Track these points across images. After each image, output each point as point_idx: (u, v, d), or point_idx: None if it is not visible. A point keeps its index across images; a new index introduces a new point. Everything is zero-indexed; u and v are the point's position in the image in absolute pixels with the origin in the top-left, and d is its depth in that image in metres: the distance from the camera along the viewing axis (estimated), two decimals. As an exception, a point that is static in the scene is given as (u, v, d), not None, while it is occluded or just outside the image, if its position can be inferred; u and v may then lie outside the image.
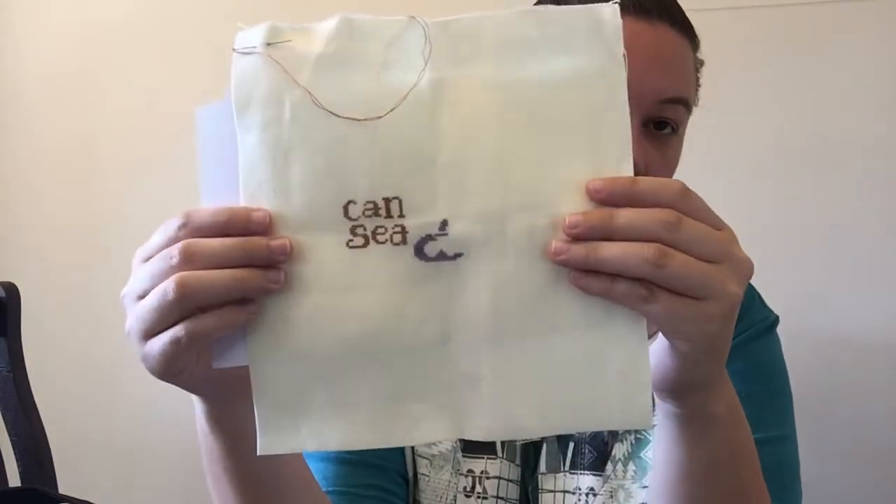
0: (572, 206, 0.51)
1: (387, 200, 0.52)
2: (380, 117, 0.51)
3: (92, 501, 1.07)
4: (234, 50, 0.53)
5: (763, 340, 0.86)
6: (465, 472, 0.84)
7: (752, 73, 1.61)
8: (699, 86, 0.84)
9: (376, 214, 0.52)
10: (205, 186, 0.54)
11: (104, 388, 1.90)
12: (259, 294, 0.51)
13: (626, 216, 0.50)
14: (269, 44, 0.52)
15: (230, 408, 0.60)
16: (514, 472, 0.84)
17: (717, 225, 0.53)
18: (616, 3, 0.53)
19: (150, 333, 0.52)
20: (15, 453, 1.29)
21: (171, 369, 0.53)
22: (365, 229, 0.52)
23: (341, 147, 0.51)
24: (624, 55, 0.52)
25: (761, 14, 1.61)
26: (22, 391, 1.29)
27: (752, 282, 0.87)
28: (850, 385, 1.61)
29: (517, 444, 0.85)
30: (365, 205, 0.52)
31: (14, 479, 1.33)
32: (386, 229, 0.52)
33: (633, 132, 0.73)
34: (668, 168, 0.79)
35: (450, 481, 0.84)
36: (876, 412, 1.60)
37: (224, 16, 1.78)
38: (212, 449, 0.63)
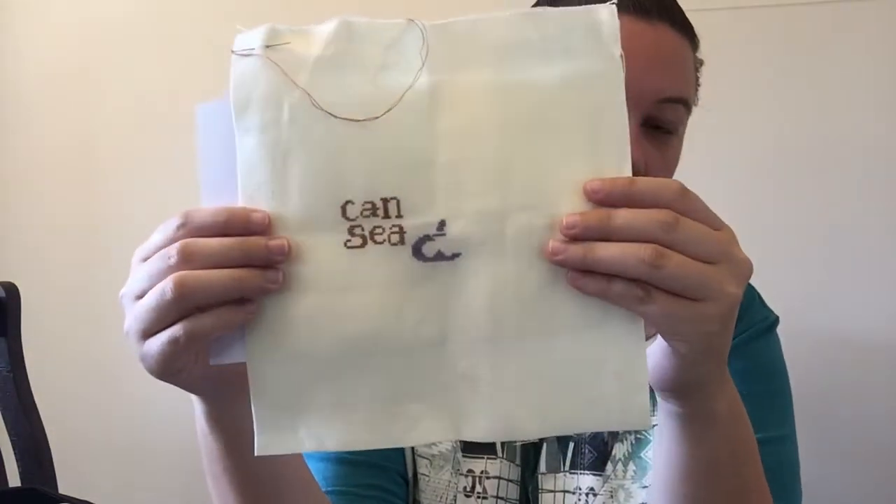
0: (570, 207, 0.51)
1: (385, 201, 0.52)
2: (377, 118, 0.51)
3: (92, 501, 1.07)
4: (232, 52, 0.53)
5: (763, 340, 0.86)
6: (465, 472, 0.84)
7: (752, 73, 1.61)
8: (699, 86, 0.84)
9: (374, 215, 0.52)
10: (204, 184, 0.54)
11: (104, 388, 1.90)
12: (257, 294, 0.51)
13: (623, 217, 0.50)
14: (267, 46, 0.52)
15: (229, 407, 0.60)
16: (514, 472, 0.84)
17: (716, 225, 0.53)
18: (613, 3, 0.53)
19: (148, 333, 0.52)
20: (15, 453, 1.29)
21: (169, 369, 0.53)
22: (363, 229, 0.52)
23: (339, 148, 0.52)
24: (622, 55, 0.53)
25: (761, 14, 1.61)
26: (22, 391, 1.29)
27: (752, 282, 0.88)
28: (850, 385, 1.61)
29: (517, 444, 0.85)
30: (363, 205, 0.52)
31: (14, 479, 1.33)
32: (384, 229, 0.52)
33: (632, 132, 0.74)
34: (668, 168, 0.79)
35: (450, 481, 0.84)
36: (876, 412, 1.60)
37: (224, 16, 1.78)
38: (211, 448, 0.63)
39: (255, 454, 0.54)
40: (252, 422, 0.54)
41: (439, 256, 0.52)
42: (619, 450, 0.83)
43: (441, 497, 0.84)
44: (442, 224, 0.52)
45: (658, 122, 0.77)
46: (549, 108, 0.52)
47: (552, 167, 0.52)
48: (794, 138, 1.61)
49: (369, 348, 0.53)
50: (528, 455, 0.85)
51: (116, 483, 1.88)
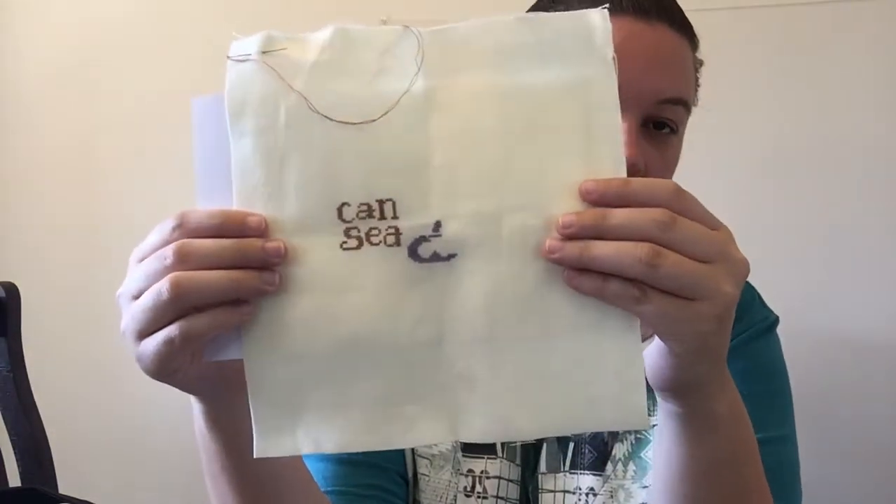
0: (566, 208, 0.51)
1: (380, 202, 0.52)
2: (374, 121, 0.52)
3: (92, 501, 1.07)
4: (228, 57, 0.53)
5: (763, 340, 0.86)
6: (465, 471, 0.84)
7: (752, 73, 1.61)
8: (699, 86, 0.84)
9: (370, 216, 0.52)
10: (200, 179, 0.54)
11: (104, 388, 1.90)
12: (253, 295, 0.52)
13: (619, 216, 0.50)
14: (264, 52, 0.53)
15: (227, 407, 0.60)
16: (514, 472, 0.84)
17: (713, 224, 0.53)
18: (605, 7, 0.54)
19: (144, 333, 0.52)
20: (15, 453, 1.29)
21: (165, 369, 0.53)
22: (359, 231, 0.52)
23: (335, 150, 0.52)
24: (614, 58, 0.53)
25: (761, 14, 1.61)
26: (22, 391, 1.29)
27: (753, 282, 0.88)
28: (850, 385, 1.61)
29: (517, 444, 0.85)
30: (359, 207, 0.52)
31: (14, 479, 1.33)
32: (380, 231, 0.52)
33: (632, 132, 0.74)
34: (668, 168, 0.79)
35: (450, 481, 0.84)
36: (876, 412, 1.60)
37: (224, 16, 1.79)
38: (209, 448, 0.63)
39: (255, 456, 0.54)
40: (250, 422, 0.54)
41: (435, 257, 0.52)
42: (619, 450, 0.83)
43: (441, 497, 0.84)
44: (438, 225, 0.52)
45: (657, 123, 0.77)
46: (544, 110, 0.53)
47: (547, 168, 0.52)
48: (794, 138, 1.62)
49: (366, 350, 0.53)
50: (528, 455, 0.85)
51: (116, 483, 1.88)
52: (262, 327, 0.52)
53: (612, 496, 0.82)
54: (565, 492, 0.83)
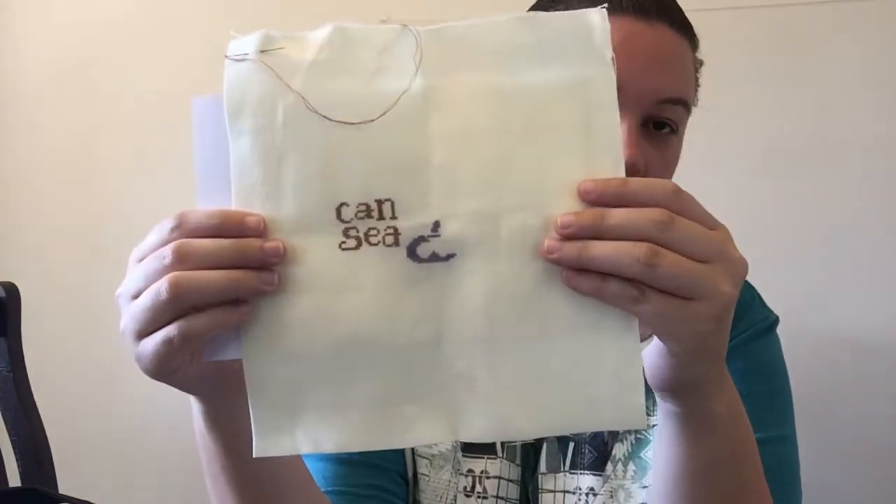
0: (564, 208, 0.51)
1: (379, 202, 0.52)
2: (372, 120, 0.52)
3: (92, 501, 1.07)
4: (226, 57, 0.53)
5: (763, 340, 0.86)
6: (465, 471, 0.84)
7: (752, 73, 1.61)
8: (699, 86, 0.84)
9: (369, 216, 0.52)
10: (199, 179, 0.54)
11: (104, 388, 1.90)
12: (252, 295, 0.52)
13: (617, 216, 0.50)
14: (262, 51, 0.53)
15: (226, 407, 0.60)
16: (514, 472, 0.84)
17: (711, 224, 0.53)
18: (604, 7, 0.54)
19: (143, 333, 0.52)
20: (15, 453, 1.29)
21: (164, 369, 0.53)
22: (357, 231, 0.52)
23: (334, 150, 0.52)
24: (613, 58, 0.53)
25: (761, 14, 1.61)
26: (22, 391, 1.29)
27: (753, 282, 0.88)
28: (850, 385, 1.61)
29: (517, 444, 0.85)
30: (357, 207, 0.52)
31: (14, 479, 1.33)
32: (378, 231, 0.52)
33: (632, 132, 0.74)
34: (668, 168, 0.79)
35: (450, 481, 0.84)
36: (876, 412, 1.60)
37: (224, 16, 1.79)
38: (209, 448, 0.63)
39: (254, 456, 0.54)
40: (249, 421, 0.54)
41: (434, 257, 0.52)
42: (619, 450, 0.83)
43: (441, 497, 0.84)
44: (436, 225, 0.52)
45: (657, 123, 0.77)
46: (543, 110, 0.53)
47: (546, 168, 0.52)
48: (794, 138, 1.62)
49: (365, 350, 0.53)
50: (528, 455, 0.85)
51: (116, 483, 1.88)
52: (261, 327, 0.52)
53: (612, 496, 0.82)
54: (565, 492, 0.83)
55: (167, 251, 0.51)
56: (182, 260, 0.50)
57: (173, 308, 0.50)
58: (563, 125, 0.53)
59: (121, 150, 1.91)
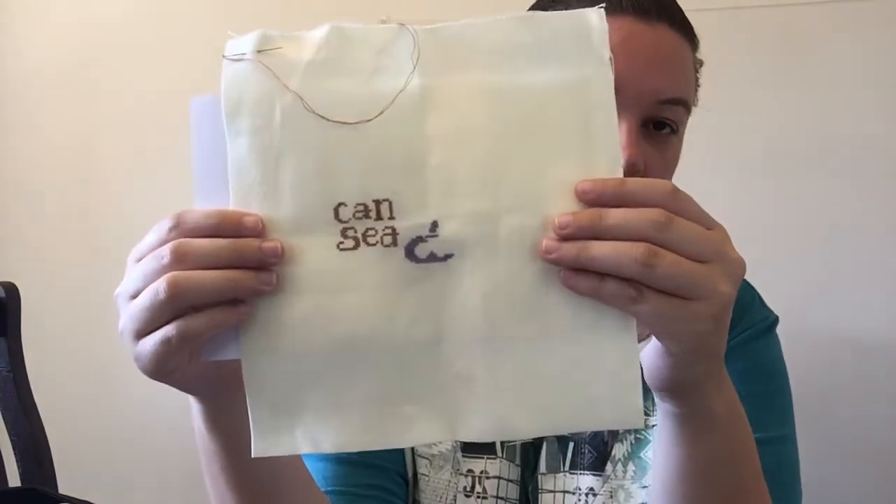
0: (562, 208, 0.51)
1: (377, 202, 0.52)
2: (369, 120, 0.52)
3: (92, 501, 1.07)
4: (223, 57, 0.53)
5: (763, 340, 0.86)
6: (464, 471, 0.84)
7: (751, 73, 1.61)
8: (699, 86, 0.84)
9: (367, 216, 0.52)
10: (197, 179, 0.54)
11: (104, 388, 1.90)
12: (250, 295, 0.52)
13: (615, 216, 0.50)
14: (259, 51, 0.53)
15: (226, 407, 0.60)
16: (514, 472, 0.84)
17: (709, 224, 0.53)
18: (602, 7, 0.54)
19: (141, 333, 0.52)
20: (15, 453, 1.29)
21: (162, 369, 0.53)
22: (355, 231, 0.52)
23: (331, 150, 0.52)
24: (611, 58, 0.53)
25: (761, 14, 1.61)
26: (22, 391, 1.29)
27: (753, 282, 0.88)
28: (850, 385, 1.61)
29: (517, 444, 0.85)
30: (355, 207, 0.52)
31: (14, 479, 1.33)
32: (376, 231, 0.52)
33: (631, 132, 0.74)
34: (668, 168, 0.79)
35: (449, 481, 0.84)
36: (876, 412, 1.60)
37: (224, 16, 1.79)
38: (208, 448, 0.63)
39: (253, 456, 0.54)
40: (249, 421, 0.54)
41: (432, 258, 0.52)
42: (619, 450, 0.83)
43: (441, 497, 0.84)
44: (434, 225, 0.52)
45: (657, 123, 0.77)
46: (541, 109, 0.53)
47: (544, 168, 0.52)
48: (793, 138, 1.62)
49: (363, 350, 0.53)
50: (527, 455, 0.85)
51: (116, 483, 1.88)
52: (259, 327, 0.52)
53: (611, 496, 0.82)
54: (565, 492, 0.83)
55: (165, 251, 0.51)
56: (180, 260, 0.50)
57: (171, 308, 0.50)
58: (562, 125, 0.53)
59: (121, 150, 1.91)
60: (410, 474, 0.85)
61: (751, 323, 0.85)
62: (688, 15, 0.81)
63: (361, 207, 0.52)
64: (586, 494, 0.83)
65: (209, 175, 0.54)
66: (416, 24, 0.54)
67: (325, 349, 0.53)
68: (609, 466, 0.83)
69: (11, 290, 1.29)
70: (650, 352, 0.57)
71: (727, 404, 0.60)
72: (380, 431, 0.54)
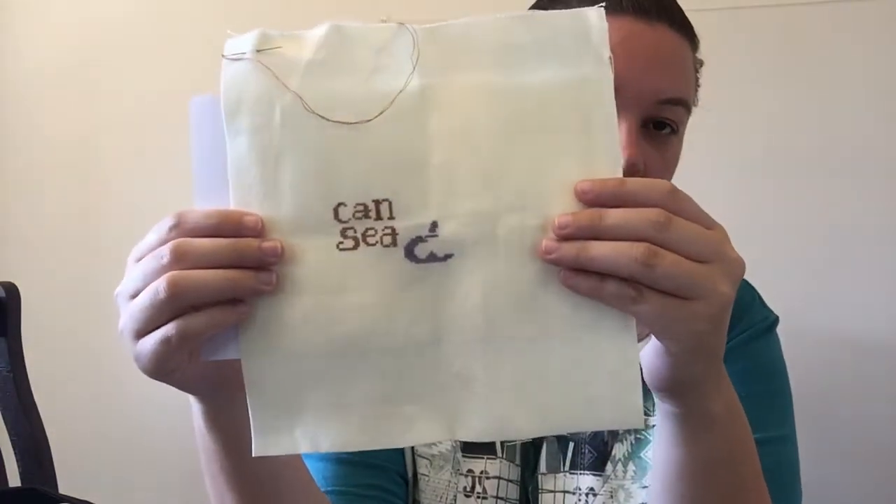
0: (562, 208, 0.51)
1: (377, 202, 0.52)
2: (369, 120, 0.52)
3: (92, 501, 1.07)
4: (223, 56, 0.53)
5: (763, 340, 0.86)
6: (464, 472, 0.84)
7: (752, 73, 1.61)
8: (699, 86, 0.84)
9: (366, 216, 0.52)
10: (197, 179, 0.54)
11: (104, 388, 1.90)
12: (250, 295, 0.52)
13: (615, 216, 0.50)
14: (258, 50, 0.52)
15: (226, 406, 0.60)
16: (514, 472, 0.84)
17: (708, 224, 0.53)
18: (601, 6, 0.54)
19: (141, 332, 0.52)
20: (15, 453, 1.29)
21: (162, 368, 0.53)
22: (355, 231, 0.52)
23: (331, 150, 0.52)
24: (610, 58, 0.53)
25: (761, 14, 1.61)
26: (22, 391, 1.29)
27: (753, 282, 0.88)
28: (850, 385, 1.61)
29: (517, 444, 0.85)
30: (355, 207, 0.52)
31: (14, 479, 1.33)
32: (376, 231, 0.52)
33: (631, 132, 0.74)
34: (668, 168, 0.79)
35: (450, 481, 0.84)
36: (876, 412, 1.60)
37: (224, 16, 1.79)
38: (208, 448, 0.63)
39: (253, 455, 0.54)
40: (249, 421, 0.54)
41: (432, 257, 0.52)
42: (619, 450, 0.83)
43: (441, 497, 0.84)
44: (434, 225, 0.52)
45: (657, 123, 0.77)
46: (541, 109, 0.53)
47: (544, 168, 0.52)
48: (793, 138, 1.62)
49: (363, 349, 0.53)
50: (528, 455, 0.85)
51: (116, 483, 1.88)
52: (259, 327, 0.52)
53: (611, 496, 0.82)
54: (565, 492, 0.83)
55: (165, 251, 0.51)
56: (180, 259, 0.50)
57: (171, 307, 0.51)
58: (561, 125, 0.52)
59: (121, 150, 1.91)
60: (410, 474, 0.85)
61: (751, 323, 0.85)
62: (688, 15, 0.81)
63: (361, 207, 0.52)
64: (586, 494, 0.83)
65: (209, 175, 0.54)
66: (416, 24, 0.54)
67: (324, 349, 0.53)
68: (609, 466, 0.83)
69: (11, 290, 1.29)
70: (649, 352, 0.57)
71: (726, 404, 0.60)
72: (379, 431, 0.54)
